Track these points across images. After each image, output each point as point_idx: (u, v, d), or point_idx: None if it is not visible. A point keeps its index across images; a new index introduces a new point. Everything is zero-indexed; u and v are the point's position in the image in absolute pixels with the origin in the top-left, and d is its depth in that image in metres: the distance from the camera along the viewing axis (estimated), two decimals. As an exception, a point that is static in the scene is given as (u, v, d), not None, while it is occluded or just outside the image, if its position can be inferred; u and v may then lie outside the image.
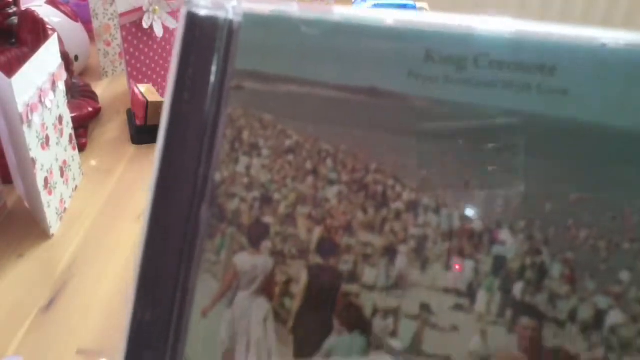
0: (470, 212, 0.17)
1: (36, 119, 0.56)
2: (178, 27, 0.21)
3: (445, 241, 0.17)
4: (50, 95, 0.60)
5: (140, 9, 0.81)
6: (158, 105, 0.77)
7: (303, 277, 0.18)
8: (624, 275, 0.16)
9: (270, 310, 0.18)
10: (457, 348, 0.17)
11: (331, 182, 0.18)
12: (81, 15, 0.95)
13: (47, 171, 0.59)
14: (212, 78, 0.19)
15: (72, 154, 0.67)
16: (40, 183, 0.57)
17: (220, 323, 0.18)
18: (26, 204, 0.65)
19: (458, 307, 0.17)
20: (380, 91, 0.17)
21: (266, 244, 0.18)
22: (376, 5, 1.23)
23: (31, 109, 0.55)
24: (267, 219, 0.18)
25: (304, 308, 0.18)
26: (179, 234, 0.18)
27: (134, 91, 0.78)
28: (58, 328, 0.52)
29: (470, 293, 0.17)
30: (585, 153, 0.16)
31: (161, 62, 0.88)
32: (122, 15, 0.80)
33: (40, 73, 0.58)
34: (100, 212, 0.66)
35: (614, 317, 0.16)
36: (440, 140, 0.17)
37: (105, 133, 0.81)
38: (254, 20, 0.18)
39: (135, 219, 0.65)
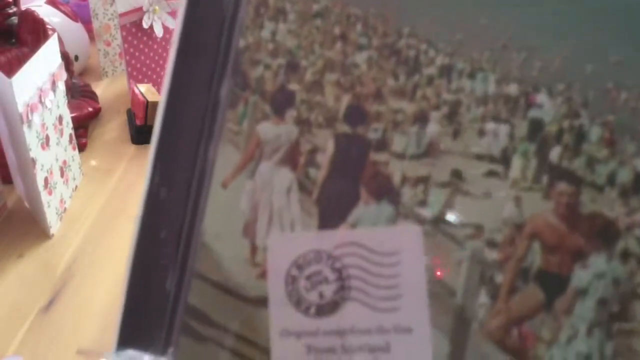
0: (507, 75, 0.16)
1: (36, 119, 0.56)
2: None
3: (479, 106, 0.16)
4: (50, 95, 0.60)
5: (140, 9, 0.81)
6: (158, 105, 0.77)
7: (330, 146, 0.17)
8: None
9: (294, 180, 0.17)
10: (489, 215, 0.16)
11: (360, 48, 0.17)
12: (81, 15, 0.95)
13: (47, 171, 0.59)
14: None
15: (72, 154, 0.67)
16: (40, 183, 0.57)
17: (241, 194, 0.17)
18: (26, 204, 0.65)
19: (491, 174, 0.17)
20: None
21: (291, 112, 0.18)
22: None
23: (31, 109, 0.55)
24: (293, 86, 0.18)
25: (329, 178, 0.17)
26: (200, 103, 0.17)
27: (134, 91, 0.78)
28: (58, 328, 0.52)
29: (505, 159, 0.16)
30: (624, 17, 0.15)
31: (161, 62, 0.88)
32: (122, 15, 0.80)
33: (40, 73, 0.58)
34: (100, 212, 0.66)
35: None
36: (478, 2, 0.16)
37: (105, 133, 0.81)
38: None
39: (135, 219, 0.65)
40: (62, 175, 0.64)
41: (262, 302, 0.17)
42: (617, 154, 0.16)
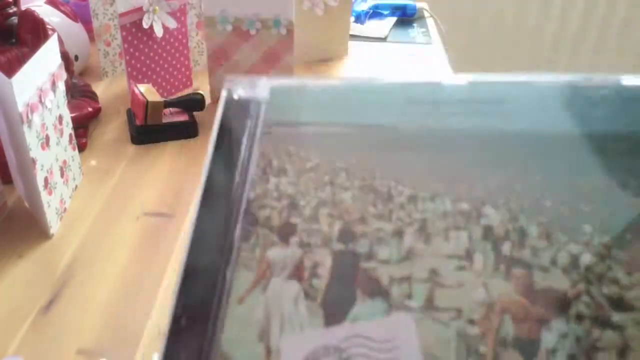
0: (458, 197, 0.22)
1: (36, 119, 0.56)
2: (219, 103, 0.26)
3: (441, 220, 0.22)
4: (50, 95, 0.60)
5: (140, 9, 0.81)
6: (158, 105, 0.77)
7: (328, 260, 0.22)
8: (587, 228, 0.21)
9: (300, 289, 0.21)
10: (465, 300, 0.20)
11: (345, 189, 0.23)
12: (81, 15, 0.95)
13: (47, 171, 0.59)
14: (246, 131, 0.25)
15: (72, 154, 0.67)
16: (40, 183, 0.57)
17: (255, 307, 0.21)
18: (26, 204, 0.65)
19: (460, 268, 0.21)
20: (379, 124, 0.24)
21: (294, 239, 0.22)
22: (375, 5, 1.23)
23: (31, 109, 0.55)
24: (294, 220, 0.23)
25: (330, 285, 0.21)
26: (220, 240, 0.22)
27: (133, 91, 0.78)
28: (58, 328, 0.52)
29: (469, 256, 0.21)
30: (533, 151, 0.22)
31: (161, 62, 0.88)
32: (122, 15, 0.80)
33: (40, 73, 0.58)
34: (100, 212, 0.66)
35: (586, 259, 0.20)
36: (425, 153, 0.23)
37: (105, 133, 0.81)
38: (276, 91, 0.25)
39: (135, 219, 0.65)
40: (62, 175, 0.64)
41: None
42: (553, 243, 0.21)
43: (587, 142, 0.21)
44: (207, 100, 0.85)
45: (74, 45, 0.89)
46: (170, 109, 0.81)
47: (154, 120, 0.78)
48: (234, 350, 0.20)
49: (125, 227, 0.64)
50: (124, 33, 0.81)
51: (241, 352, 0.20)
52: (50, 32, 0.69)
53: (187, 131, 0.80)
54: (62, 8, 0.92)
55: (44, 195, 0.59)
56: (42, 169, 0.58)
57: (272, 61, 0.86)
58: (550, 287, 0.20)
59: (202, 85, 0.92)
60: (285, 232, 0.22)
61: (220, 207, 0.22)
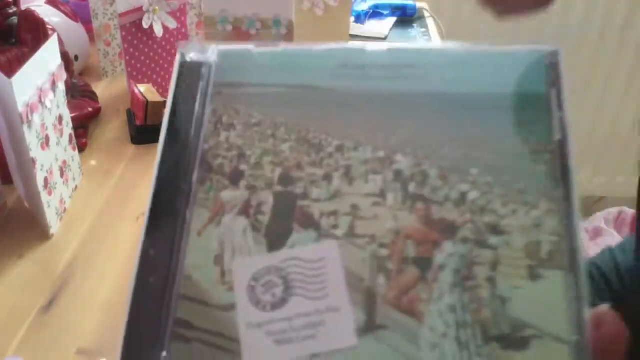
0: (376, 146, 0.28)
1: (36, 119, 0.56)
2: (175, 64, 0.30)
3: (362, 166, 0.27)
4: (50, 95, 0.60)
5: (140, 9, 0.81)
6: (158, 105, 0.77)
7: (270, 200, 0.27)
8: (474, 171, 0.26)
9: (248, 224, 0.26)
10: (378, 229, 0.26)
11: (284, 141, 0.28)
12: (81, 15, 0.95)
13: (47, 171, 0.59)
14: (199, 91, 0.29)
15: (72, 154, 0.67)
16: (40, 183, 0.57)
17: (212, 238, 0.26)
18: (26, 204, 0.65)
19: (376, 204, 0.27)
20: (312, 86, 0.29)
21: (243, 182, 0.27)
22: (375, 5, 1.23)
23: (31, 109, 0.55)
24: (242, 167, 0.28)
25: (272, 220, 0.26)
26: (180, 185, 0.26)
27: (133, 91, 0.78)
28: (58, 328, 0.52)
29: (383, 194, 0.27)
30: (438, 108, 0.28)
31: (161, 62, 0.88)
32: (122, 15, 0.80)
33: (40, 73, 0.58)
34: (100, 212, 0.66)
35: (472, 195, 0.26)
36: (351, 110, 0.29)
37: (105, 133, 0.81)
38: (226, 55, 0.29)
39: (135, 219, 0.65)
40: (62, 175, 0.64)
41: (231, 307, 0.24)
42: (448, 183, 0.27)
43: (479, 101, 0.28)
44: (207, 100, 0.85)
45: (74, 45, 0.89)
46: (170, 109, 0.81)
47: (154, 120, 0.78)
48: (196, 273, 0.25)
49: (125, 227, 0.64)
50: (124, 33, 0.81)
51: (201, 273, 0.25)
52: (50, 32, 0.69)
53: (187, 131, 0.80)
54: (62, 8, 0.92)
55: (44, 195, 0.59)
56: (42, 169, 0.58)
57: (272, 61, 0.86)
58: (443, 217, 0.26)
59: (202, 85, 0.92)
60: (235, 177, 0.27)
61: (179, 157, 0.27)
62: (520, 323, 0.23)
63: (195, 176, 0.27)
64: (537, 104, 0.27)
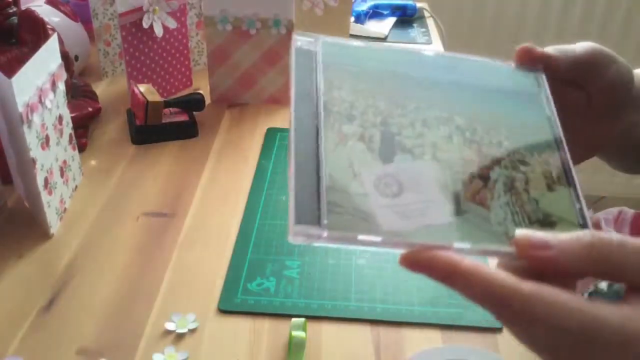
0: (441, 109, 0.40)
1: (36, 119, 0.56)
2: (290, 52, 0.40)
3: (434, 120, 0.39)
4: (50, 95, 0.60)
5: (140, 8, 0.81)
6: (158, 105, 0.77)
7: (377, 133, 0.37)
8: (503, 130, 0.39)
9: (365, 147, 0.36)
10: (452, 157, 0.37)
11: (380, 101, 0.38)
12: (81, 15, 0.95)
13: (47, 171, 0.59)
14: (313, 66, 0.39)
15: (72, 154, 0.67)
16: (40, 183, 0.58)
17: (342, 153, 0.35)
18: (26, 204, 0.65)
19: (448, 142, 0.38)
20: (393, 71, 0.41)
21: (356, 122, 0.37)
22: (375, 5, 1.23)
23: (31, 109, 0.55)
24: (354, 112, 0.37)
25: (381, 145, 0.36)
26: (313, 121, 0.36)
27: (133, 91, 0.78)
28: (58, 328, 0.52)
29: (450, 137, 0.38)
30: (476, 93, 0.41)
31: (161, 62, 0.88)
32: (122, 15, 0.80)
33: (40, 73, 0.58)
34: (100, 212, 0.66)
35: (505, 143, 0.39)
36: (422, 87, 0.40)
37: (105, 133, 0.81)
38: (328, 44, 0.41)
39: (135, 219, 0.65)
40: (62, 175, 0.64)
41: (365, 195, 0.34)
42: (489, 134, 0.39)
43: (501, 91, 0.42)
44: (207, 100, 0.85)
45: (74, 45, 0.89)
46: (170, 109, 0.81)
47: (154, 120, 0.78)
48: (336, 173, 0.34)
49: (125, 227, 0.64)
50: (124, 33, 0.81)
51: (339, 174, 0.34)
52: (50, 32, 0.69)
53: (187, 131, 0.80)
54: (62, 8, 0.92)
55: (44, 195, 0.59)
56: (42, 169, 0.58)
57: (272, 61, 0.86)
58: (490, 153, 0.38)
59: (202, 85, 0.92)
60: (350, 118, 0.37)
61: (306, 106, 0.37)
62: (548, 213, 0.36)
63: (321, 117, 0.36)
64: (532, 97, 0.42)
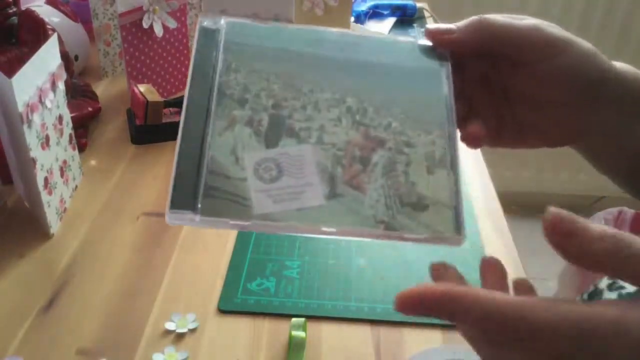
0: (333, 91, 0.40)
1: (36, 119, 0.56)
2: (196, 31, 0.41)
3: (326, 102, 0.40)
4: (50, 95, 0.60)
5: (140, 8, 0.81)
6: (158, 105, 0.77)
7: (266, 118, 0.38)
8: (396, 110, 0.40)
9: (252, 131, 0.37)
10: (337, 140, 0.38)
11: (275, 83, 0.39)
12: (81, 15, 0.95)
13: (47, 171, 0.59)
14: (214, 48, 0.40)
15: (72, 154, 0.67)
16: (40, 183, 0.57)
17: (229, 138, 0.37)
18: (26, 204, 0.65)
19: (335, 125, 0.39)
20: (291, 50, 0.41)
21: (247, 106, 0.38)
22: (375, 5, 1.23)
23: (31, 109, 0.55)
24: (247, 96, 0.38)
25: (268, 130, 0.37)
26: (204, 103, 0.38)
27: (133, 91, 0.78)
28: (58, 328, 0.52)
29: (339, 119, 0.39)
30: (371, 71, 0.42)
31: (161, 62, 0.88)
32: (122, 15, 0.80)
33: (40, 73, 0.58)
34: (100, 212, 0.66)
35: (394, 124, 0.40)
36: (318, 67, 0.41)
37: (105, 133, 0.81)
38: (232, 23, 0.42)
39: (134, 219, 0.65)
40: (62, 175, 0.64)
41: (244, 179, 0.36)
42: (379, 115, 0.39)
43: (399, 68, 0.42)
44: (207, 100, 0.85)
45: (74, 45, 0.89)
46: (170, 109, 0.81)
47: (154, 120, 0.78)
48: (219, 156, 0.36)
49: (125, 227, 0.64)
50: (124, 33, 0.81)
51: (223, 157, 0.36)
52: (50, 32, 0.69)
53: (187, 131, 0.80)
54: (62, 8, 0.92)
55: (44, 195, 0.59)
56: (42, 169, 0.58)
57: (272, 61, 0.86)
58: (377, 135, 0.39)
59: (202, 85, 0.92)
60: (242, 102, 0.38)
61: (202, 87, 0.38)
62: (422, 196, 0.37)
63: (214, 100, 0.38)
64: (432, 74, 0.42)
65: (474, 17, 0.42)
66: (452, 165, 0.38)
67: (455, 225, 0.37)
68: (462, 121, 0.42)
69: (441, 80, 0.41)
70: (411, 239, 0.36)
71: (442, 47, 0.42)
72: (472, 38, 0.42)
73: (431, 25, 0.42)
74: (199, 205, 0.35)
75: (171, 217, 0.35)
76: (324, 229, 0.35)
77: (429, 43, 0.43)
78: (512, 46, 0.41)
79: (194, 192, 0.35)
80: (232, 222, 0.35)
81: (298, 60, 0.41)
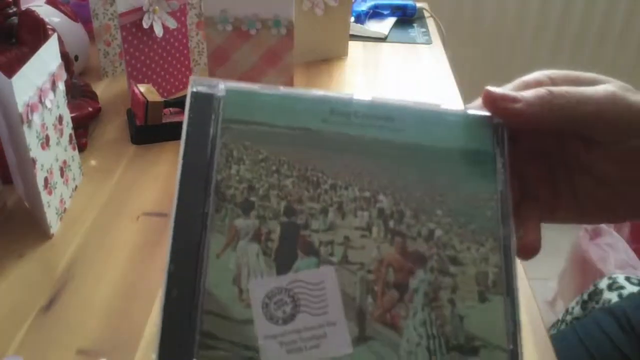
0: (362, 187, 0.33)
1: (36, 119, 0.56)
2: (186, 97, 0.34)
3: (352, 203, 0.32)
4: (50, 95, 0.60)
5: (140, 9, 0.81)
6: (158, 105, 0.77)
7: (277, 228, 0.31)
8: (439, 212, 0.32)
9: (259, 249, 0.31)
10: (366, 257, 0.31)
11: (287, 176, 0.32)
12: (81, 15, 0.95)
13: (47, 171, 0.59)
14: (212, 125, 0.33)
15: (72, 154, 0.67)
16: (40, 183, 0.57)
17: (229, 260, 0.30)
18: (26, 204, 0.65)
19: (363, 236, 0.32)
20: (306, 128, 0.33)
21: (253, 212, 0.32)
22: (375, 5, 1.23)
23: (31, 109, 0.55)
24: (252, 198, 0.32)
25: (279, 246, 0.31)
26: (198, 211, 0.31)
27: (134, 91, 0.78)
28: (58, 328, 0.52)
29: (369, 228, 0.32)
30: (410, 157, 0.33)
31: (161, 62, 0.88)
32: (122, 15, 0.80)
33: (40, 73, 0.58)
34: (100, 212, 0.66)
35: (437, 232, 0.32)
36: (340, 152, 0.33)
37: (105, 133, 0.81)
38: (233, 92, 0.34)
39: (134, 219, 0.65)
40: (62, 175, 0.64)
41: (249, 321, 0.29)
42: (419, 221, 0.32)
43: (443, 153, 0.33)
44: (207, 100, 0.85)
45: (74, 45, 0.89)
46: (170, 109, 0.81)
47: (154, 120, 0.78)
48: (216, 291, 0.29)
49: (125, 227, 0.64)
50: (124, 33, 0.81)
51: (221, 291, 0.30)
52: (50, 32, 0.69)
53: (187, 131, 0.80)
54: (62, 8, 0.92)
55: (44, 195, 0.59)
56: (42, 169, 0.58)
57: (272, 61, 0.86)
58: (416, 249, 0.31)
59: (202, 85, 0.92)
60: (246, 207, 0.31)
61: (196, 186, 0.31)
62: (472, 335, 0.30)
63: (211, 205, 0.31)
64: (485, 161, 0.33)
65: (541, 90, 0.34)
66: (509, 289, 0.30)
67: None
68: (515, 208, 0.34)
69: (495, 168, 0.33)
70: None
71: (503, 118, 0.34)
72: (539, 113, 0.34)
73: (494, 88, 0.35)
74: None
75: None
76: None
77: (483, 113, 0.34)
78: (585, 124, 0.35)
79: (188, 340, 0.28)
80: None
81: (316, 141, 0.33)
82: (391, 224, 0.32)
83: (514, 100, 0.34)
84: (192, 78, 0.34)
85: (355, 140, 0.33)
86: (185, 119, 0.32)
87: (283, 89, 0.34)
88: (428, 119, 0.34)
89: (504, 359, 0.29)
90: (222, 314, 0.29)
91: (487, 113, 0.34)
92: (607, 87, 0.35)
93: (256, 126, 0.33)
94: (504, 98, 0.34)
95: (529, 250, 0.35)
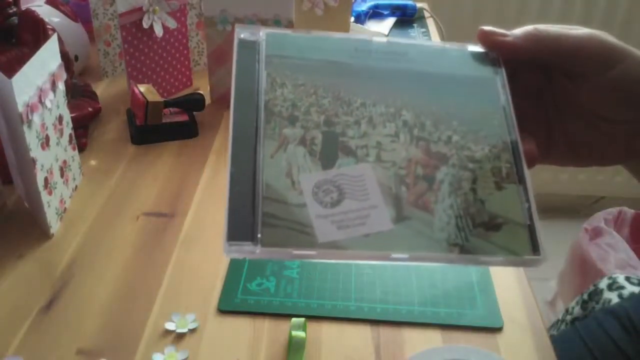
0: (389, 104, 0.39)
1: (36, 119, 0.56)
2: (234, 42, 0.40)
3: (380, 116, 0.38)
4: (50, 95, 0.60)
5: (140, 9, 0.81)
6: (158, 105, 0.77)
7: (319, 136, 0.36)
8: (454, 123, 0.39)
9: (306, 151, 0.36)
10: (397, 157, 0.37)
11: (324, 97, 0.38)
12: (81, 15, 0.95)
13: (47, 171, 0.59)
14: (256, 60, 0.38)
15: (72, 154, 0.67)
16: (40, 183, 0.57)
17: (281, 159, 0.35)
18: (26, 204, 0.65)
19: (393, 141, 0.37)
20: (335, 61, 0.40)
21: (298, 124, 0.37)
22: (375, 5, 1.23)
23: (31, 109, 0.55)
24: (296, 113, 0.37)
25: (322, 149, 0.36)
26: (252, 123, 0.36)
27: (133, 91, 0.78)
28: (58, 328, 0.52)
29: (397, 135, 0.38)
30: (425, 81, 0.40)
31: (161, 62, 0.88)
32: (122, 15, 0.80)
33: (40, 73, 0.58)
34: (100, 212, 0.66)
35: (455, 138, 0.38)
36: (367, 79, 0.40)
37: (105, 133, 0.81)
38: (272, 35, 0.40)
39: (135, 219, 0.65)
40: (62, 175, 0.64)
41: (303, 205, 0.34)
42: (438, 129, 0.38)
43: (453, 78, 0.40)
44: (207, 100, 0.85)
45: (74, 45, 0.89)
46: (170, 109, 0.81)
47: (154, 120, 0.78)
48: (273, 181, 0.34)
49: (125, 227, 0.64)
50: (124, 33, 0.81)
51: (277, 182, 0.34)
52: (50, 32, 0.69)
53: (187, 131, 0.80)
54: (62, 8, 0.92)
55: (44, 195, 0.59)
56: (42, 169, 0.58)
57: (272, 61, 0.86)
58: (438, 151, 0.37)
59: (202, 85, 0.92)
60: (292, 120, 0.37)
61: (248, 106, 0.36)
62: (494, 215, 0.35)
63: (262, 118, 0.36)
64: (487, 82, 0.40)
65: (527, 27, 0.40)
66: (521, 179, 0.36)
67: (531, 245, 0.35)
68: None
69: (497, 89, 0.39)
70: (488, 262, 0.35)
71: (496, 49, 0.40)
72: (526, 45, 0.40)
73: (485, 26, 0.41)
74: (259, 236, 0.32)
75: (229, 249, 0.32)
76: (395, 255, 0.33)
77: (480, 49, 0.41)
78: (567, 56, 0.40)
79: (252, 221, 0.33)
80: (295, 252, 0.32)
81: (345, 71, 0.39)
82: (415, 131, 0.37)
83: (504, 34, 0.40)
84: (237, 26, 0.40)
85: (377, 70, 0.39)
86: (234, 58, 0.38)
87: (314, 32, 0.41)
88: (435, 53, 0.41)
89: (523, 233, 0.35)
90: (280, 199, 0.34)
91: (484, 50, 0.41)
92: (587, 29, 0.41)
93: (293, 60, 0.39)
94: (495, 33, 0.40)
95: (526, 159, 0.39)
